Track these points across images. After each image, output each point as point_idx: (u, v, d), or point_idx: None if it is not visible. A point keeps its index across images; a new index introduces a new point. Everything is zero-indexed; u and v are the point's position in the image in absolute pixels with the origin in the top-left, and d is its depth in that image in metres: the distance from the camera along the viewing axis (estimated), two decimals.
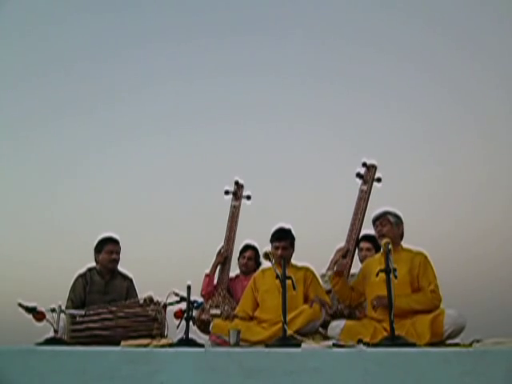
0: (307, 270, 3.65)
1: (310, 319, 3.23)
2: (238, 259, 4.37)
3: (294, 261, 3.69)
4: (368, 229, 3.61)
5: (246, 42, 7.50)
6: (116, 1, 7.45)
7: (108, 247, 3.89)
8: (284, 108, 7.47)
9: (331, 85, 7.31)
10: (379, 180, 4.06)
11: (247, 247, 4.36)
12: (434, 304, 3.10)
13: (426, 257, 3.27)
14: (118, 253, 3.92)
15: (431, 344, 2.89)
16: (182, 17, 7.58)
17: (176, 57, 7.65)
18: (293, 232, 3.67)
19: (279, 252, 3.48)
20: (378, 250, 3.74)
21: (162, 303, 3.31)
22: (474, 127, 6.81)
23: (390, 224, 3.35)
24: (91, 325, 3.25)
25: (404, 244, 3.41)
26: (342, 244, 4.09)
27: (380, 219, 3.39)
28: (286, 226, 3.72)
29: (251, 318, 3.56)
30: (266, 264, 3.70)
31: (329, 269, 4.07)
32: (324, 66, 7.33)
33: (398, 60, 7.12)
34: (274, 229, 3.68)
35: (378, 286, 3.03)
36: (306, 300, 3.49)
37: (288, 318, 3.03)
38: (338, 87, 7.32)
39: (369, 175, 4.06)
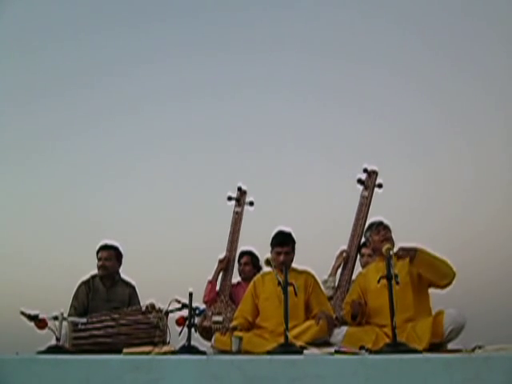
0: (308, 275, 3.56)
1: (317, 337, 3.14)
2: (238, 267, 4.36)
3: (294, 264, 3.56)
4: None
5: (247, 47, 7.56)
6: None
7: (100, 254, 3.94)
8: (286, 114, 7.52)
9: (334, 90, 7.36)
10: (380, 186, 4.08)
11: (243, 253, 4.34)
12: (451, 269, 3.10)
13: None
14: (108, 259, 3.93)
15: (433, 347, 2.90)
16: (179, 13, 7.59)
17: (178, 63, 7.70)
18: (293, 235, 3.54)
19: (281, 258, 3.38)
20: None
21: (164, 310, 3.30)
22: (476, 133, 6.85)
23: (390, 230, 3.40)
24: (93, 332, 3.25)
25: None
26: (343, 248, 4.11)
27: (383, 224, 3.42)
28: (286, 228, 3.58)
29: (250, 324, 3.49)
30: (266, 268, 3.59)
31: (330, 275, 4.08)
32: (326, 71, 7.36)
33: (401, 68, 7.19)
34: (274, 233, 3.55)
35: (380, 292, 3.02)
36: (307, 308, 3.44)
37: (294, 333, 3.03)
38: (340, 92, 7.37)
39: (370, 181, 4.08)
